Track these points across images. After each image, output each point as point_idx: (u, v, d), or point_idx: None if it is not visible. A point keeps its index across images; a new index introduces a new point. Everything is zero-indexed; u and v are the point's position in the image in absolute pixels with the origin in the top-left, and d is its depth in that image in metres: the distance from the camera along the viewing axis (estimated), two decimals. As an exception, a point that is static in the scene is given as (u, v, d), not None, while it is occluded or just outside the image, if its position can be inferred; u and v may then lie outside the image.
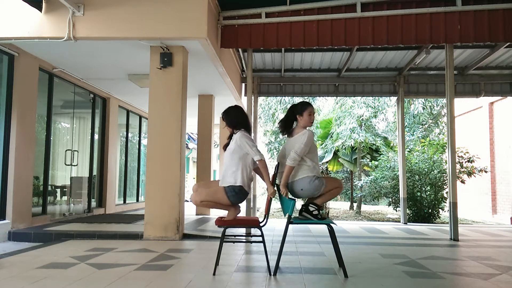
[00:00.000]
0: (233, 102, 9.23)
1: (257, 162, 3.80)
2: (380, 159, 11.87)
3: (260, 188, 17.94)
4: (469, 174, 10.46)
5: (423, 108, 15.79)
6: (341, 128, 13.55)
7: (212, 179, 9.80)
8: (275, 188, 3.90)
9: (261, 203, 14.22)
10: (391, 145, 13.99)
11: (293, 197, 3.83)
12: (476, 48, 7.90)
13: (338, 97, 13.84)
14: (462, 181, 10.42)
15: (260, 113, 16.40)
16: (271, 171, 3.94)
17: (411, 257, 4.72)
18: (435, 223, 9.88)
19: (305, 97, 14.42)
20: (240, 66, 9.37)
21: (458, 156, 10.37)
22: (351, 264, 4.16)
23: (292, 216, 3.71)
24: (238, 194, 3.79)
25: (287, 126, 4.06)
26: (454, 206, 6.28)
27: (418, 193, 10.32)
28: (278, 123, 4.16)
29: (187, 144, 17.51)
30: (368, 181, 11.85)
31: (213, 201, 3.84)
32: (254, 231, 5.87)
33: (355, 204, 14.30)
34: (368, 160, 13.83)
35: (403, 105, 9.37)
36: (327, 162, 15.42)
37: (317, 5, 6.16)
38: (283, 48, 7.84)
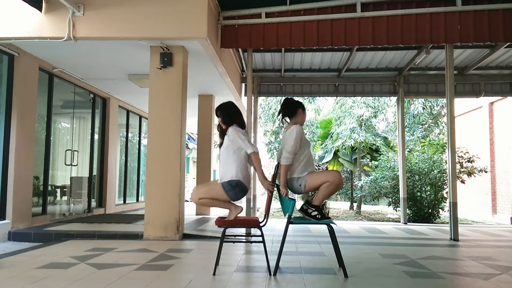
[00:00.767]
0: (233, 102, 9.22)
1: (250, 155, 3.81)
2: (380, 159, 11.86)
3: (260, 188, 17.92)
4: (469, 174, 10.44)
5: (423, 108, 15.78)
6: (341, 128, 13.54)
7: (212, 179, 9.80)
8: (275, 188, 3.91)
9: (261, 203, 14.23)
10: (391, 145, 13.98)
11: (293, 197, 3.84)
12: (476, 48, 7.90)
13: (338, 97, 13.84)
14: (462, 181, 10.41)
15: (260, 113, 16.40)
16: (271, 171, 3.94)
17: (411, 257, 4.72)
18: (435, 223, 9.87)
19: (305, 97, 14.50)
20: (240, 66, 9.36)
21: (458, 156, 10.37)
22: (351, 264, 4.16)
23: (292, 216, 3.71)
24: (235, 188, 3.77)
25: (286, 114, 4.06)
26: (454, 206, 6.28)
27: (418, 193, 10.32)
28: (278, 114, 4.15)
29: (187, 144, 17.50)
30: (368, 181, 11.84)
31: (212, 197, 3.83)
32: (254, 231, 5.87)
33: (355, 204, 14.30)
34: (368, 160, 13.83)
35: (403, 105, 9.37)
36: (327, 162, 15.44)
37: (317, 5, 6.16)
38: (283, 48, 7.84)
